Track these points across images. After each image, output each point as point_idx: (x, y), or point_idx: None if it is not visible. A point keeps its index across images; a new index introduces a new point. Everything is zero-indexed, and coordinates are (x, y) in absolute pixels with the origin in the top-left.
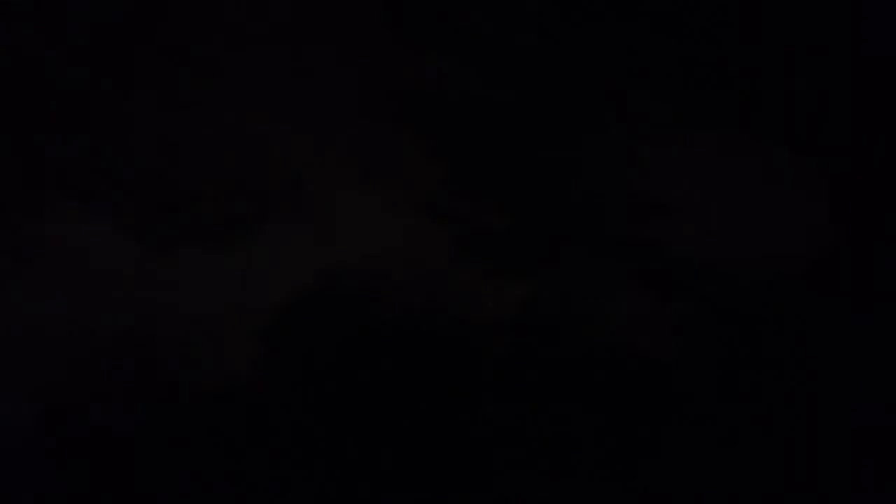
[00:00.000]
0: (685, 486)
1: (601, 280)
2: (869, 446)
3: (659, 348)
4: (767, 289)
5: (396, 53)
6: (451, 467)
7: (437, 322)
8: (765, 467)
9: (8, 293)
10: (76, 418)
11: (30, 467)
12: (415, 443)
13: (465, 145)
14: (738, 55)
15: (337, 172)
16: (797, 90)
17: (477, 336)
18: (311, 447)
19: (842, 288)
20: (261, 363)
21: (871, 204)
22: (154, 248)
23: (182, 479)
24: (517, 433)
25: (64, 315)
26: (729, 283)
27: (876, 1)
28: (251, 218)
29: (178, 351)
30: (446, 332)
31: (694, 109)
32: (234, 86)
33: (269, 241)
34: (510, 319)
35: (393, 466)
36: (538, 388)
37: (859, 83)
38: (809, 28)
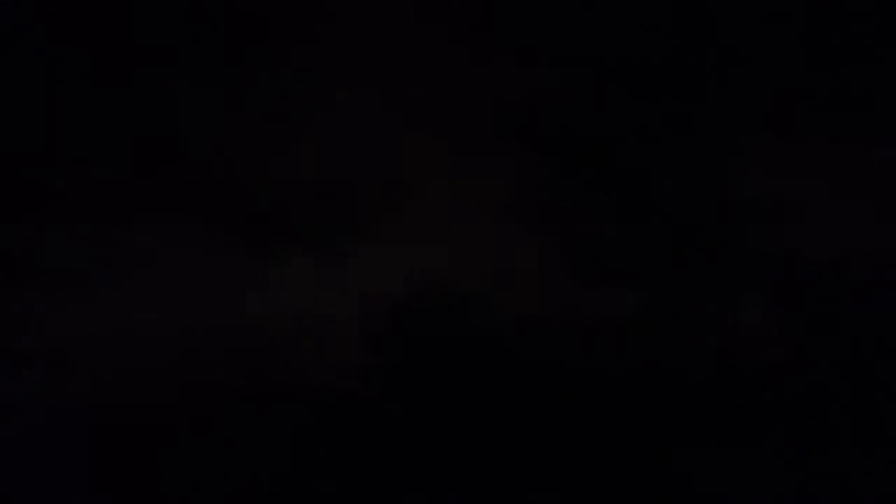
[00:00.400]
0: (798, 490)
1: (712, 286)
2: None
3: (774, 354)
4: (884, 291)
5: (500, 66)
6: (557, 470)
7: (543, 331)
8: (885, 472)
9: (121, 301)
10: (184, 423)
11: (141, 467)
12: (520, 448)
13: (572, 155)
14: (849, 54)
15: (442, 182)
16: None
17: (583, 345)
18: (413, 451)
19: None
20: (364, 370)
21: None
22: (262, 256)
23: (284, 480)
24: (628, 440)
25: (173, 322)
26: (844, 286)
27: None
28: (358, 227)
29: (283, 357)
30: (552, 340)
31: (804, 110)
32: (340, 97)
33: (375, 250)
34: (618, 328)
35: (495, 469)
36: (649, 396)
37: None
38: None
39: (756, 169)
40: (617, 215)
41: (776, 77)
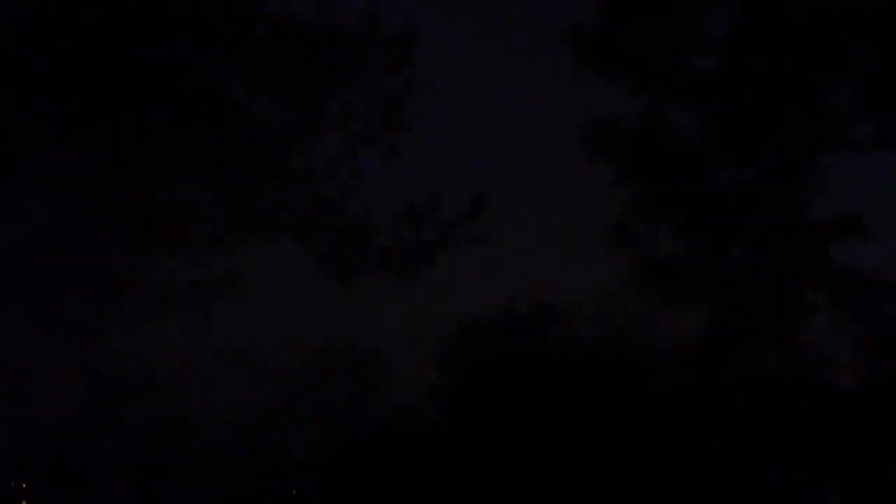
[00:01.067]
0: None
1: (783, 304)
2: None
3: (846, 374)
4: None
5: (581, 84)
6: (628, 490)
7: (613, 348)
8: None
9: (203, 322)
10: (258, 437)
11: (218, 479)
12: (590, 467)
13: (647, 172)
14: None
15: (517, 199)
16: None
17: (654, 362)
18: (483, 473)
19: None
20: (436, 391)
21: None
22: (342, 276)
23: (351, 499)
24: (695, 456)
25: (251, 342)
26: None
27: None
28: (432, 246)
29: (356, 375)
30: (623, 358)
31: (885, 127)
32: (421, 118)
33: (449, 269)
34: (688, 345)
35: (567, 492)
36: (716, 414)
37: None
38: None
39: (832, 188)
40: (691, 235)
41: (853, 97)
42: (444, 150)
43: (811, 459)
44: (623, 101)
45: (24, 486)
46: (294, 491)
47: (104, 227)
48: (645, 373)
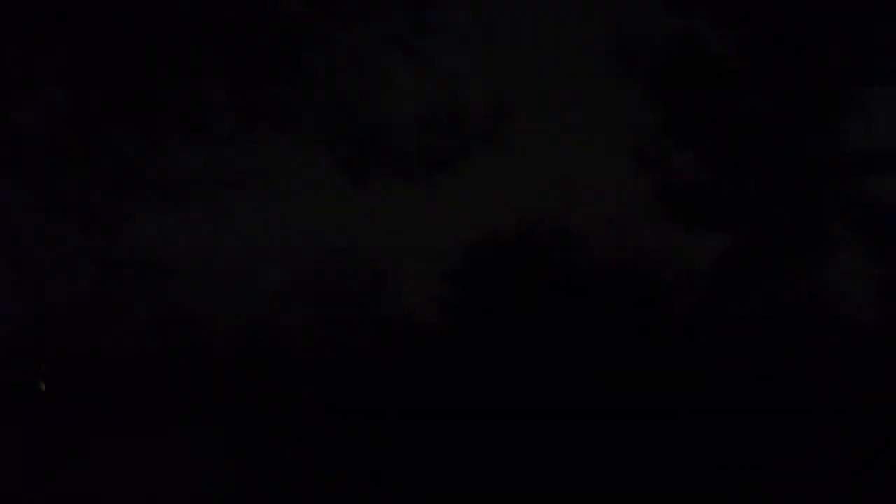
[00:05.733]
0: (880, 448)
1: (806, 236)
2: None
3: (864, 310)
4: None
5: (617, 6)
6: (640, 412)
7: (630, 271)
8: None
9: (228, 216)
10: (276, 339)
11: (231, 379)
12: (605, 387)
13: (677, 95)
14: None
15: (543, 112)
16: None
17: (671, 288)
18: (490, 388)
19: None
20: (447, 303)
21: None
22: (358, 180)
23: (364, 408)
24: (710, 383)
25: (273, 238)
26: None
27: None
28: (454, 154)
29: (369, 283)
30: (640, 282)
31: None
32: (443, 21)
33: (469, 179)
34: (706, 273)
35: (576, 406)
36: (732, 342)
37: None
38: None
39: (857, 120)
40: (717, 161)
41: (881, 30)
42: (468, 56)
43: (821, 400)
44: (656, 18)
45: (42, 367)
46: (301, 391)
47: (117, 119)
48: (656, 301)
